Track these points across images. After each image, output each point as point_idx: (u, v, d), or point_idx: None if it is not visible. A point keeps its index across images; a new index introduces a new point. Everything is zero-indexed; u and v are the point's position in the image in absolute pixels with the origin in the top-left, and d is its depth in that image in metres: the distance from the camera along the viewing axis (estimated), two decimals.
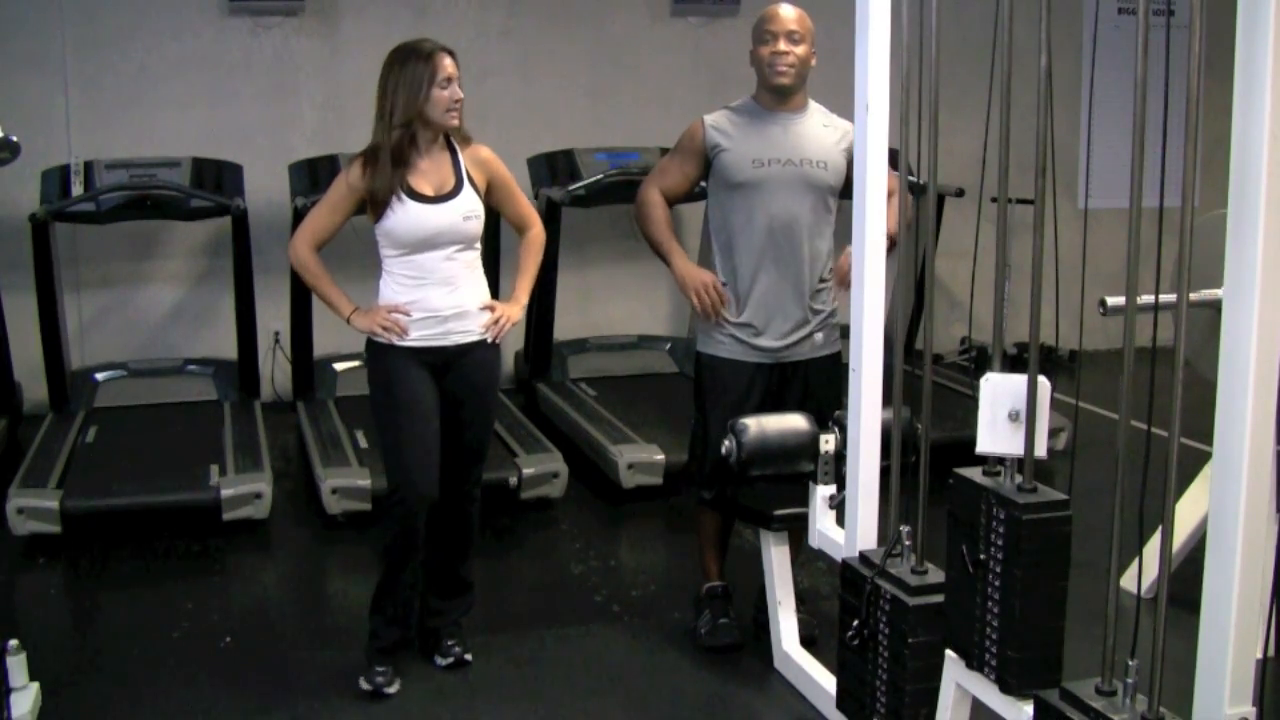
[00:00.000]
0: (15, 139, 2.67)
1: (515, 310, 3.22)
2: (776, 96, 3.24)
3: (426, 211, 3.04)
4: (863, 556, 2.73)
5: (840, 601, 2.76)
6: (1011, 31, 2.26)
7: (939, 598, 2.47)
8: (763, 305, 3.24)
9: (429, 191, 3.05)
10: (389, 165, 3.01)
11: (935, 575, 2.54)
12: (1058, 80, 2.19)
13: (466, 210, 3.08)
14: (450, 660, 3.27)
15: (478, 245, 3.15)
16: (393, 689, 3.10)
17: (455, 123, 3.07)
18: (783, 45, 3.18)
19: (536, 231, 3.30)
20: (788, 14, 3.22)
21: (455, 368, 3.13)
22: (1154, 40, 1.98)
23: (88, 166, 5.24)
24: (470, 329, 3.13)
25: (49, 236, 5.10)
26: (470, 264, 3.13)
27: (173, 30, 5.82)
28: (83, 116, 5.70)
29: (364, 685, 3.11)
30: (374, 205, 3.04)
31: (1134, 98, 1.97)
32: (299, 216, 5.05)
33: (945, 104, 2.53)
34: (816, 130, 3.25)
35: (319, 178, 5.29)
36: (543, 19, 6.24)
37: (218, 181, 5.38)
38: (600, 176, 5.52)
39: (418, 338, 3.08)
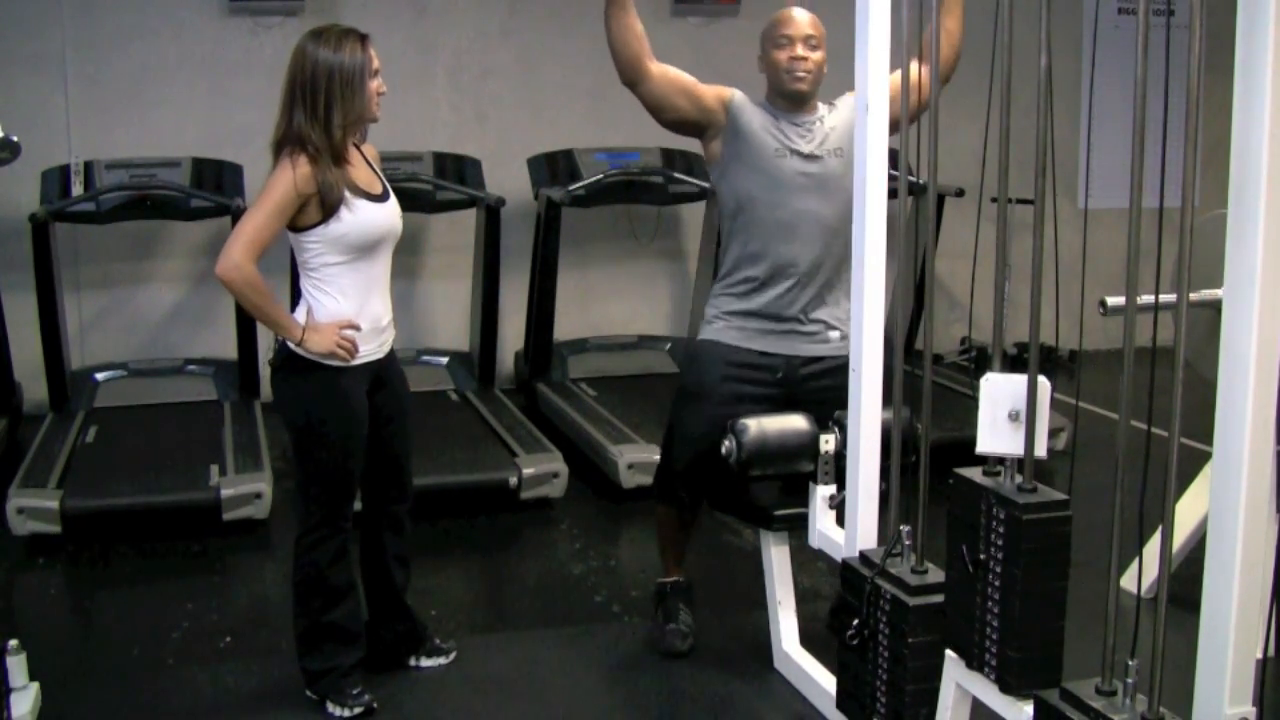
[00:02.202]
0: (15, 139, 2.67)
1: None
2: (791, 102, 3.15)
3: (377, 211, 2.88)
4: (863, 556, 2.73)
5: (840, 601, 2.76)
6: (1011, 31, 2.26)
7: (939, 597, 2.47)
8: (777, 299, 3.15)
9: (369, 189, 2.90)
10: (335, 166, 2.80)
11: (935, 575, 2.54)
12: (1058, 80, 2.19)
13: (399, 209, 2.98)
14: (447, 660, 3.26)
15: None
16: (375, 704, 3.02)
17: (379, 116, 2.89)
18: (800, 50, 3.10)
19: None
20: (803, 17, 3.14)
21: (385, 380, 3.02)
22: (1154, 40, 1.98)
23: (88, 166, 5.25)
24: (392, 332, 3.04)
25: (49, 236, 5.10)
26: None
27: (173, 30, 5.82)
28: (83, 116, 5.70)
29: (347, 713, 2.97)
30: (323, 206, 2.80)
31: (1134, 98, 1.97)
32: None
33: (945, 104, 2.53)
34: (827, 121, 3.18)
35: None
36: (543, 19, 6.24)
37: (218, 181, 5.39)
38: (600, 176, 5.53)
39: (364, 353, 2.92)
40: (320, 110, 2.78)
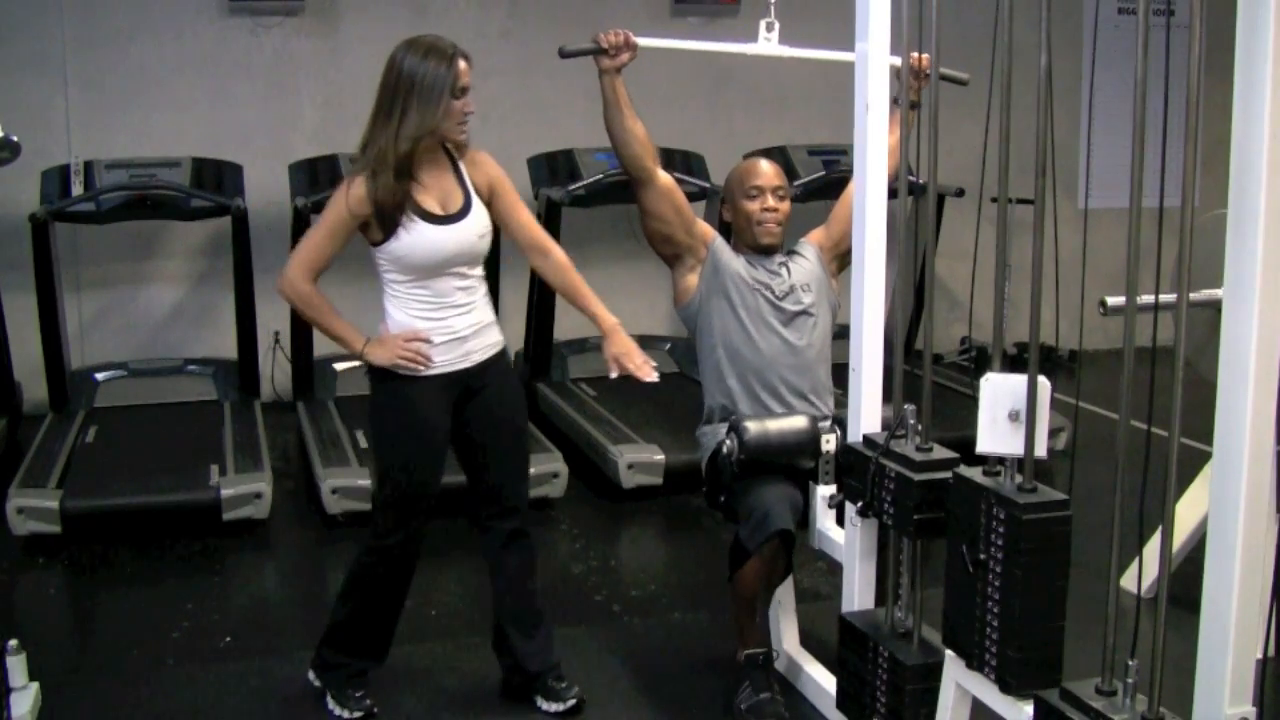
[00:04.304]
0: (15, 139, 2.67)
1: (625, 338, 3.02)
2: (760, 254, 3.21)
3: (440, 234, 2.77)
4: (867, 439, 2.74)
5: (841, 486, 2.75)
6: (1011, 31, 2.26)
7: (945, 474, 2.44)
8: None
9: (437, 210, 2.79)
10: (393, 179, 2.71)
11: (941, 453, 2.54)
12: (1058, 80, 2.20)
13: (480, 229, 2.84)
14: (567, 705, 3.03)
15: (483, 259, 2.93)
16: (375, 708, 3.01)
17: (464, 137, 2.84)
18: (771, 200, 3.18)
19: (562, 254, 3.02)
20: (769, 169, 3.22)
21: (479, 388, 2.91)
22: (1154, 40, 1.98)
23: (88, 166, 5.25)
24: (489, 342, 2.92)
25: (49, 236, 5.10)
26: (481, 278, 2.91)
27: (173, 30, 5.82)
28: (83, 116, 5.70)
29: (346, 714, 2.97)
30: (382, 225, 2.74)
31: (1134, 98, 1.97)
32: (299, 217, 5.05)
33: (945, 104, 2.53)
34: (791, 261, 3.24)
35: (319, 178, 5.30)
36: (543, 19, 6.24)
37: (218, 181, 5.39)
38: (600, 176, 5.52)
39: (440, 363, 2.84)
40: (395, 118, 2.72)
